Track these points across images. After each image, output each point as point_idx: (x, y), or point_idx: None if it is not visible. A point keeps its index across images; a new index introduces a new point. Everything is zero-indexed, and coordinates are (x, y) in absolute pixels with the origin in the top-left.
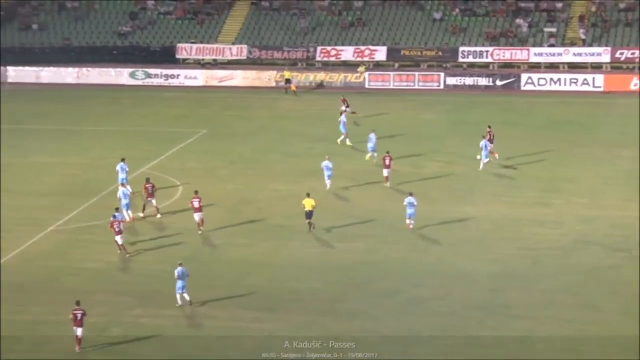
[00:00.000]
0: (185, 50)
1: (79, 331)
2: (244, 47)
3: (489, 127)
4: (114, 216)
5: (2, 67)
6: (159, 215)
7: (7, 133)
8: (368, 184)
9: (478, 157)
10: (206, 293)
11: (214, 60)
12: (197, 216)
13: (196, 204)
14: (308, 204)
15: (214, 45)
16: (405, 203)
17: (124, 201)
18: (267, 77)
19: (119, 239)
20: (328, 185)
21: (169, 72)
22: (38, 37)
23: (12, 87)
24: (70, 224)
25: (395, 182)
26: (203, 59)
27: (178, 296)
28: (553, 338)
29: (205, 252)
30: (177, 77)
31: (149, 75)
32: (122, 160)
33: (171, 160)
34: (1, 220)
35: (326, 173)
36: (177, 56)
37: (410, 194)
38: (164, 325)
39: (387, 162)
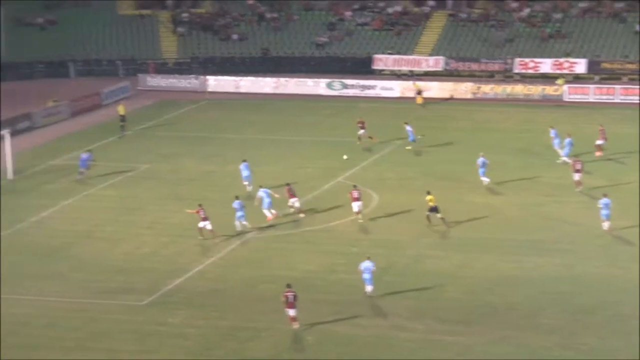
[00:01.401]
0: (382, 61)
1: (292, 312)
2: (441, 59)
3: (601, 126)
4: (199, 205)
5: (203, 77)
6: (302, 215)
7: (208, 141)
8: (564, 195)
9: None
10: (401, 304)
11: (411, 71)
12: (356, 205)
13: (356, 194)
14: (431, 201)
15: (411, 57)
16: (599, 205)
17: (266, 200)
18: (464, 89)
19: (201, 224)
20: (483, 181)
21: (366, 82)
22: (238, 47)
23: (212, 96)
24: (267, 232)
25: (591, 195)
26: (399, 70)
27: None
28: None
29: (401, 263)
30: (374, 88)
31: (345, 86)
32: (244, 161)
33: (366, 170)
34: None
35: (481, 169)
36: (374, 67)
37: (604, 195)
38: (358, 335)
39: (577, 166)
